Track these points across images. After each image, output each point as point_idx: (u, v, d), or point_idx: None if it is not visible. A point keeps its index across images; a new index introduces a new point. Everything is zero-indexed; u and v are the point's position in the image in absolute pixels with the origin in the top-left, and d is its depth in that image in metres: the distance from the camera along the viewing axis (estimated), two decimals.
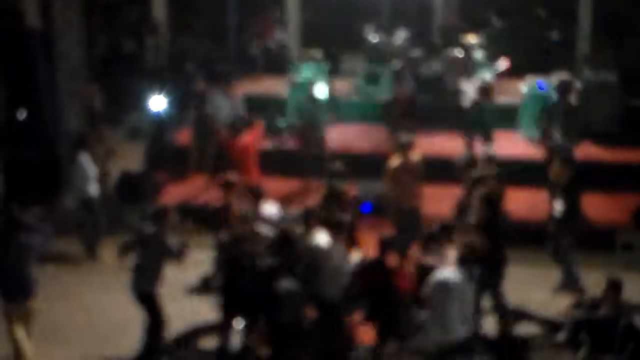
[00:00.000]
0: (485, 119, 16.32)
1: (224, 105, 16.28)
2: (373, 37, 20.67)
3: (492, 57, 17.67)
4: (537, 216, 13.92)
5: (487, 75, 16.21)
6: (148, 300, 10.93)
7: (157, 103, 18.53)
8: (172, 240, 10.92)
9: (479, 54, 16.44)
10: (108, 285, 13.35)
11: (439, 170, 15.32)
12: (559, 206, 12.54)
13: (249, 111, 16.65)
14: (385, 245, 10.61)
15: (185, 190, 16.44)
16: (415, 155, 13.40)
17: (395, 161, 13.21)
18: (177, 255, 10.95)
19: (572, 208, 12.51)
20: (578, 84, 17.45)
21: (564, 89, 15.32)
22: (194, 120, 17.09)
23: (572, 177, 12.67)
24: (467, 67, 18.33)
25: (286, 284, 9.89)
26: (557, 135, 14.75)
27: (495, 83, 17.29)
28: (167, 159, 17.66)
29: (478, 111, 16.14)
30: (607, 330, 10.08)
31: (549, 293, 12.71)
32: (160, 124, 18.21)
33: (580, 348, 10.45)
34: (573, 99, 16.02)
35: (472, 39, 20.33)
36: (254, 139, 14.83)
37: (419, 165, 13.24)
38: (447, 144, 17.17)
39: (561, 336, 10.89)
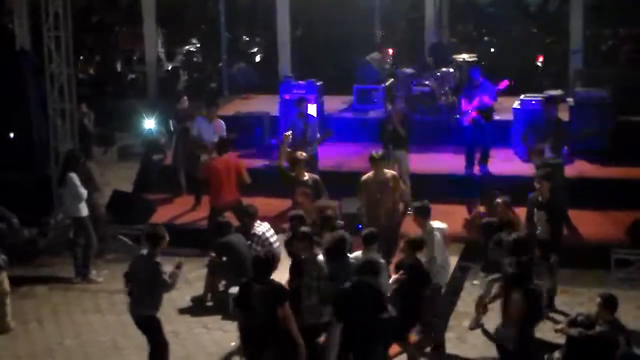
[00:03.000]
0: (484, 137, 16.32)
1: (207, 129, 16.09)
2: (366, 56, 20.62)
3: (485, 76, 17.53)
4: None
5: (487, 95, 16.11)
6: (147, 324, 10.59)
7: (148, 123, 18.51)
8: (166, 269, 10.36)
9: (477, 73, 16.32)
10: (99, 306, 13.25)
11: (435, 187, 15.41)
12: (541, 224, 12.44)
13: (239, 131, 16.49)
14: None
15: (174, 211, 16.32)
16: (388, 170, 13.27)
17: (366, 175, 13.11)
18: (169, 286, 10.62)
19: (557, 226, 12.45)
20: (570, 100, 17.43)
21: (549, 103, 15.30)
22: (179, 140, 16.97)
23: (556, 193, 12.60)
24: (460, 85, 18.29)
25: None
26: (547, 151, 14.63)
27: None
28: (157, 179, 17.55)
29: (478, 130, 16.13)
30: (602, 348, 9.99)
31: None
32: (151, 143, 18.14)
33: None
34: (563, 114, 15.96)
35: (465, 56, 20.33)
36: (235, 158, 14.64)
37: (391, 180, 13.09)
38: (443, 162, 17.12)
39: (556, 355, 10.80)
